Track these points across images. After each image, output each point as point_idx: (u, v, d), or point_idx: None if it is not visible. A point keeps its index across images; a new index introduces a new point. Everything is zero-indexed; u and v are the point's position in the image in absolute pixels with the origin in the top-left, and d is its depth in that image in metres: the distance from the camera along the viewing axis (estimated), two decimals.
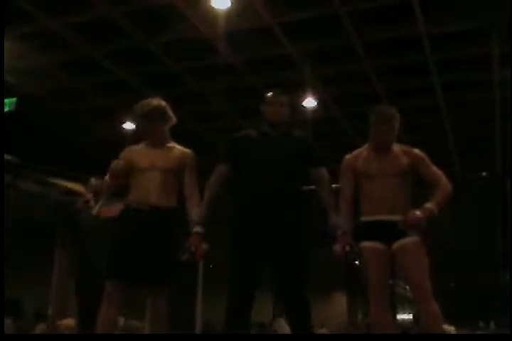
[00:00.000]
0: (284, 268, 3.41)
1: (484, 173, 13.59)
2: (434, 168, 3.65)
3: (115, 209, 4.04)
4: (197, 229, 3.53)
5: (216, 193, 3.64)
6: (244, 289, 3.41)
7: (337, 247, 3.51)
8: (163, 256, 3.50)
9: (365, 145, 3.78)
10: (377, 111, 3.69)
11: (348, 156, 3.79)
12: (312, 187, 3.68)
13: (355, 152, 3.80)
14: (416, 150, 3.69)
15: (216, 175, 3.66)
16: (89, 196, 5.45)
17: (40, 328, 8.73)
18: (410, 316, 22.57)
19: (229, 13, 7.76)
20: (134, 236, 3.48)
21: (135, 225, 3.52)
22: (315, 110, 10.51)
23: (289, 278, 3.41)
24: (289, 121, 3.70)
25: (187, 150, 3.82)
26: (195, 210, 3.58)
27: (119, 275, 3.46)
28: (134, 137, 3.99)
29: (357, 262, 3.61)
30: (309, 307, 3.42)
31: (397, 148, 3.70)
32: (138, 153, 3.75)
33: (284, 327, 11.52)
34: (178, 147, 3.82)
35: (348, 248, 3.47)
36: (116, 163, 3.70)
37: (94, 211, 5.11)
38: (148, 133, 3.74)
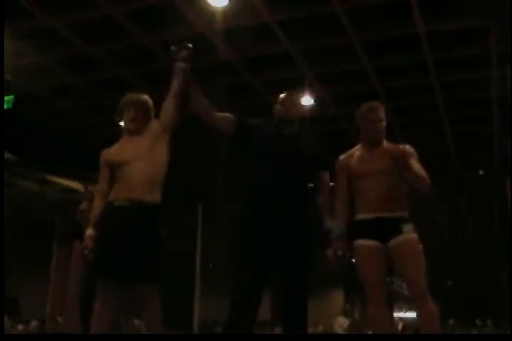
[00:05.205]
0: (289, 268, 3.40)
1: (482, 171, 13.63)
2: (415, 162, 3.60)
3: None
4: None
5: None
6: (253, 288, 3.38)
7: (329, 252, 3.53)
8: (148, 254, 3.44)
9: (358, 145, 3.80)
10: (362, 105, 3.76)
11: (342, 156, 3.80)
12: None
13: (349, 152, 3.81)
14: (406, 146, 3.68)
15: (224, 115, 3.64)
16: (85, 204, 5.41)
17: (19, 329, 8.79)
18: (407, 314, 22.63)
19: (226, 10, 7.76)
20: (118, 235, 3.43)
21: (119, 223, 3.46)
22: (312, 108, 10.53)
23: (294, 279, 3.39)
24: (302, 121, 3.72)
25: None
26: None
27: (106, 274, 3.45)
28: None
29: (354, 260, 3.62)
30: (307, 311, 3.42)
31: (388, 146, 3.71)
32: (117, 149, 3.68)
33: None
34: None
35: (339, 253, 3.49)
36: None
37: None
38: (131, 122, 3.67)
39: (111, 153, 3.67)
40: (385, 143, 3.74)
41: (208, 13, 7.84)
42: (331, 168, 3.68)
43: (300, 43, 8.66)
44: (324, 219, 3.55)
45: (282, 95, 3.71)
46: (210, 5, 7.69)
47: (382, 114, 3.69)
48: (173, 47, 3.64)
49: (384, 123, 3.68)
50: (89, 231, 3.52)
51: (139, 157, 3.57)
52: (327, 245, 3.55)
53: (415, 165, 3.56)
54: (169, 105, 3.68)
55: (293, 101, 3.68)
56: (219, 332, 11.42)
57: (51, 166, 11.03)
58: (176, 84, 3.69)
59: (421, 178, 3.52)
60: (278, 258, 3.41)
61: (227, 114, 3.66)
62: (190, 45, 3.65)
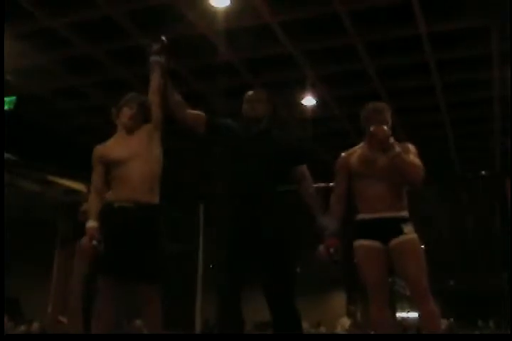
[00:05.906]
0: (268, 274, 3.38)
1: (483, 172, 13.61)
2: (413, 157, 3.55)
3: None
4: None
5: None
6: (229, 286, 3.37)
7: (321, 248, 3.52)
8: (149, 255, 3.44)
9: (362, 143, 3.77)
10: (367, 105, 3.72)
11: (343, 154, 3.78)
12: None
13: (350, 150, 3.79)
14: (407, 144, 3.65)
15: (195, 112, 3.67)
16: (86, 206, 5.39)
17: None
18: (410, 315, 22.62)
19: (228, 11, 7.75)
20: (119, 236, 3.41)
21: (120, 224, 3.44)
22: (314, 109, 10.53)
23: (275, 286, 3.36)
24: (271, 118, 3.69)
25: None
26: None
27: (108, 274, 3.43)
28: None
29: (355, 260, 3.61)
30: (299, 316, 3.39)
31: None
32: (112, 146, 3.64)
33: None
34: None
35: (331, 250, 3.48)
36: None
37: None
38: (130, 119, 3.66)
39: (106, 150, 3.63)
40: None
41: (210, 13, 7.83)
42: (307, 161, 3.65)
43: (301, 44, 8.65)
44: (315, 216, 3.54)
45: (247, 94, 3.69)
46: (211, 5, 7.69)
47: (387, 115, 3.67)
48: (144, 41, 3.62)
49: (390, 124, 3.65)
50: (93, 223, 3.43)
51: (136, 155, 3.54)
52: (320, 242, 3.54)
53: (414, 159, 3.54)
54: (155, 100, 3.66)
55: (257, 99, 3.65)
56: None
57: (52, 167, 11.03)
58: (156, 77, 3.68)
59: (410, 166, 3.46)
60: (253, 258, 3.39)
61: (199, 112, 3.66)
62: (164, 38, 3.63)
